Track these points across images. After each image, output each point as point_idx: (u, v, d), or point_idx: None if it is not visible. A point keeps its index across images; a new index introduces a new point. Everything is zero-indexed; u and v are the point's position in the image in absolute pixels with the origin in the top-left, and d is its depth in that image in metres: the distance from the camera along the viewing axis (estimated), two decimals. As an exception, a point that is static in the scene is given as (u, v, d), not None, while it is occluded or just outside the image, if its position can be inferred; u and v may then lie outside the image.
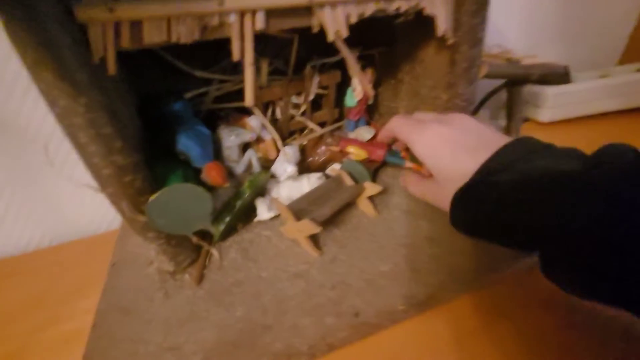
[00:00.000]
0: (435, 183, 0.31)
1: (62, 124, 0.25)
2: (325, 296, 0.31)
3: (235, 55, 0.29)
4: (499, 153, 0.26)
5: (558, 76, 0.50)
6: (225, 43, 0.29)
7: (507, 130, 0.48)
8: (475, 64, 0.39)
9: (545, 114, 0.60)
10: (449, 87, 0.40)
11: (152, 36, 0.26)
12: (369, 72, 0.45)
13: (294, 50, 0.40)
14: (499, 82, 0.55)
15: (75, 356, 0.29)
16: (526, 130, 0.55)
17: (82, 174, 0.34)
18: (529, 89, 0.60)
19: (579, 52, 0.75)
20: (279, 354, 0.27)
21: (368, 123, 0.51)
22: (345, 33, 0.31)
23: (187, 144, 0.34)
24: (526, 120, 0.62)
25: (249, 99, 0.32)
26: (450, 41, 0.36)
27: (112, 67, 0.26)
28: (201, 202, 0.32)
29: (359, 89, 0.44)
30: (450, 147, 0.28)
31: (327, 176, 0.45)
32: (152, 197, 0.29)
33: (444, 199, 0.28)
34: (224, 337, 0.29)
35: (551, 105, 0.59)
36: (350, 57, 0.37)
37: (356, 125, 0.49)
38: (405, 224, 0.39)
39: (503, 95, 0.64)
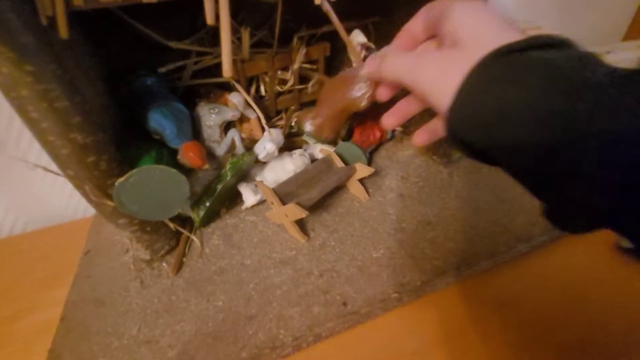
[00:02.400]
0: (446, 50, 0.20)
1: (7, 95, 0.22)
2: (313, 284, 0.29)
3: (209, 18, 0.26)
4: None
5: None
6: (201, 9, 0.26)
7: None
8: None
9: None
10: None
11: (109, -7, 0.23)
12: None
13: (278, 18, 0.37)
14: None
15: (47, 348, 0.27)
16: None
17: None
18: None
19: (582, 27, 0.71)
20: (262, 346, 0.25)
21: None
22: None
23: (160, 122, 0.31)
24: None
25: (226, 69, 0.29)
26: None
27: (63, 29, 0.22)
28: (176, 185, 0.29)
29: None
30: (500, 18, 0.19)
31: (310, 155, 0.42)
32: (120, 180, 0.26)
33: (455, 70, 0.18)
34: (204, 328, 0.27)
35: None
36: (339, 26, 0.34)
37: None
38: (400, 207, 0.37)
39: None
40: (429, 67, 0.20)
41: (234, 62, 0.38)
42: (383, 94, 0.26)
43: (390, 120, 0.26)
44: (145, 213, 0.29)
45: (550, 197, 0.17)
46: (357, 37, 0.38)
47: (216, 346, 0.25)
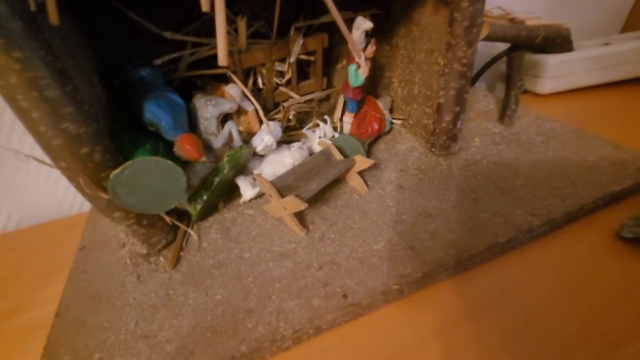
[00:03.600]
0: None
1: (-5, 84, 0.21)
2: (312, 277, 0.29)
3: (204, 5, 0.25)
4: None
5: (562, 40, 0.47)
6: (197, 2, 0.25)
7: (506, 102, 0.45)
8: (476, 23, 0.35)
9: (545, 85, 0.57)
10: (447, 50, 0.36)
11: (100, -22, 0.22)
12: (373, 43, 0.38)
13: (277, 7, 0.36)
14: (497, 51, 0.52)
15: (42, 344, 0.26)
16: (525, 102, 0.52)
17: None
18: (528, 58, 0.56)
19: (580, 18, 0.71)
20: (262, 340, 0.25)
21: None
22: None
23: (156, 113, 0.30)
24: (524, 92, 0.59)
25: (222, 58, 0.28)
26: (450, -4, 0.32)
27: (53, 14, 0.22)
28: (173, 177, 0.28)
29: (364, 65, 0.38)
30: None
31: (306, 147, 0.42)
32: (115, 172, 0.26)
33: None
34: (202, 322, 0.26)
35: (552, 75, 0.56)
36: (338, 17, 0.33)
37: (358, 105, 0.44)
38: (399, 199, 0.36)
39: (500, 67, 0.60)
40: None
41: (231, 53, 0.37)
42: None
43: None
44: (142, 206, 0.28)
45: None
46: (364, 24, 0.37)
47: (215, 340, 0.25)
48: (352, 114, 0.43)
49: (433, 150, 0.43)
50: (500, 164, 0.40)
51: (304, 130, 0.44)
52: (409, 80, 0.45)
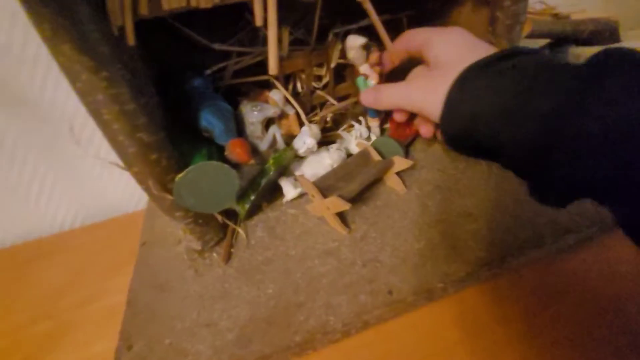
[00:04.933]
0: (427, 76, 0.26)
1: (85, 100, 0.24)
2: (357, 274, 0.31)
3: (258, 20, 0.27)
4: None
5: (610, 34, 0.45)
6: (242, 14, 0.27)
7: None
8: (519, 21, 0.34)
9: (589, 79, 0.55)
10: (487, 50, 0.36)
11: (171, 2, 0.24)
12: (374, 50, 0.37)
13: (317, 16, 0.37)
14: (539, 43, 0.50)
15: (117, 330, 0.30)
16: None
17: (107, 152, 0.34)
18: (571, 51, 0.54)
19: (627, 9, 0.67)
20: (314, 331, 0.27)
21: None
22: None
23: (211, 121, 0.33)
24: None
25: (273, 67, 0.30)
26: (492, -4, 0.32)
27: (131, 36, 0.24)
28: (228, 180, 0.31)
29: (372, 73, 0.37)
30: (472, 40, 0.25)
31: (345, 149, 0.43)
32: (180, 176, 0.28)
33: (440, 87, 0.23)
34: (257, 314, 0.29)
35: (597, 69, 0.53)
36: (377, 21, 0.34)
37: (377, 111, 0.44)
38: (438, 199, 0.37)
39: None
40: (419, 89, 0.25)
41: (274, 60, 0.39)
42: (398, 117, 0.32)
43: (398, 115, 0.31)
44: (201, 206, 0.31)
45: (531, 178, 0.20)
46: (356, 41, 0.37)
47: (270, 330, 0.27)
48: (376, 119, 0.43)
49: (471, 149, 0.43)
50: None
51: (340, 132, 0.45)
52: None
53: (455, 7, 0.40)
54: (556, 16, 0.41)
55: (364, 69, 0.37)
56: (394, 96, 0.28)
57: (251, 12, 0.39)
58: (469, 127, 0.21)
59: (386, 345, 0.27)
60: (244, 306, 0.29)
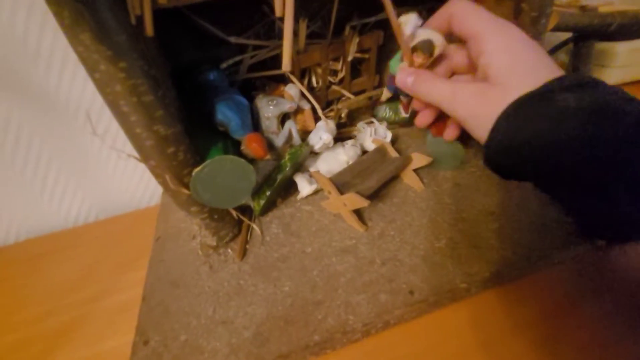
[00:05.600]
0: (478, 87, 0.22)
1: (103, 91, 0.24)
2: (376, 272, 0.30)
3: (278, 10, 0.26)
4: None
5: (638, 28, 0.43)
6: (257, 6, 0.26)
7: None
8: (545, 14, 0.33)
9: (613, 75, 0.53)
10: (511, 43, 0.35)
11: (190, -9, 0.24)
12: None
13: (335, 8, 0.36)
14: (558, 39, 0.49)
15: (131, 324, 0.29)
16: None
17: (122, 145, 0.33)
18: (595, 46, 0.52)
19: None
20: (333, 331, 0.26)
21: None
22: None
23: (227, 114, 0.32)
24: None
25: (286, 63, 0.29)
26: (518, -14, 0.31)
27: (149, 27, 0.24)
28: (246, 175, 0.30)
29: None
30: (532, 51, 0.22)
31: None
32: (197, 170, 0.28)
33: (492, 106, 0.21)
34: (274, 312, 0.28)
35: (621, 65, 0.52)
36: (392, 14, 0.33)
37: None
38: (458, 197, 0.36)
39: (559, 56, 0.57)
40: (467, 100, 0.22)
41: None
42: (422, 109, 0.28)
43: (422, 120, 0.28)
44: (216, 201, 0.30)
45: (585, 211, 0.20)
46: (412, 20, 0.36)
47: (288, 329, 0.26)
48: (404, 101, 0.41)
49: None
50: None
51: (359, 125, 0.44)
52: (464, 75, 0.44)
53: (477, -1, 0.39)
54: (583, 8, 0.39)
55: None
56: (434, 92, 0.24)
57: (269, 4, 0.38)
58: (521, 157, 0.20)
59: (408, 346, 0.26)
60: (260, 304, 0.29)
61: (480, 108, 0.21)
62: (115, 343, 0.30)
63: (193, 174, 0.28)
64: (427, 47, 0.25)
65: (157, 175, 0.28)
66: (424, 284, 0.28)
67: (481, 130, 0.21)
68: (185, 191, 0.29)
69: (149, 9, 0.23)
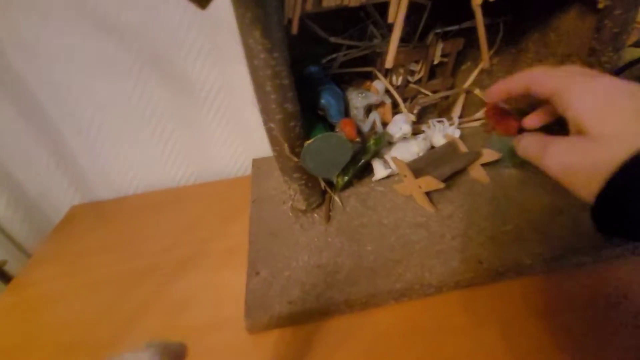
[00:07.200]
0: (586, 145, 0.20)
1: (256, 74, 0.31)
2: (447, 244, 0.35)
3: (391, 17, 0.32)
4: None
5: None
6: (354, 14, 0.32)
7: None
8: (627, 30, 0.36)
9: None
10: (590, 55, 0.38)
11: (329, 0, 0.30)
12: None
13: (425, 17, 0.42)
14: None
15: (238, 261, 0.37)
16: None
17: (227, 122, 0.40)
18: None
19: None
20: (412, 282, 0.31)
21: None
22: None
23: (329, 100, 0.39)
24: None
25: (390, 61, 0.35)
26: (602, 5, 0.34)
27: (295, 27, 0.31)
28: (344, 151, 0.37)
29: None
30: (634, 101, 0.20)
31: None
32: (308, 142, 0.35)
33: (600, 166, 0.19)
34: (360, 263, 0.34)
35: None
36: (481, 24, 0.38)
37: None
38: (524, 193, 0.39)
39: (634, 71, 0.57)
40: (578, 159, 0.20)
41: (380, 54, 0.44)
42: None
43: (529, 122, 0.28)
44: (318, 170, 0.37)
45: None
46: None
47: (374, 277, 0.32)
48: None
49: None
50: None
51: (431, 121, 0.49)
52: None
53: (558, 13, 0.42)
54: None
55: None
56: (558, 163, 0.22)
57: (366, 12, 0.44)
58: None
59: (477, 307, 0.31)
60: (348, 257, 0.35)
61: (583, 170, 0.19)
62: (228, 274, 0.37)
63: (305, 145, 0.35)
64: None
65: (276, 143, 0.36)
66: (493, 256, 0.32)
67: (586, 193, 0.19)
68: (295, 159, 0.36)
69: (298, 13, 0.30)
